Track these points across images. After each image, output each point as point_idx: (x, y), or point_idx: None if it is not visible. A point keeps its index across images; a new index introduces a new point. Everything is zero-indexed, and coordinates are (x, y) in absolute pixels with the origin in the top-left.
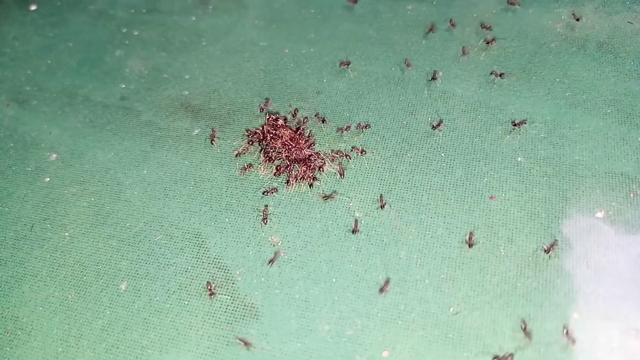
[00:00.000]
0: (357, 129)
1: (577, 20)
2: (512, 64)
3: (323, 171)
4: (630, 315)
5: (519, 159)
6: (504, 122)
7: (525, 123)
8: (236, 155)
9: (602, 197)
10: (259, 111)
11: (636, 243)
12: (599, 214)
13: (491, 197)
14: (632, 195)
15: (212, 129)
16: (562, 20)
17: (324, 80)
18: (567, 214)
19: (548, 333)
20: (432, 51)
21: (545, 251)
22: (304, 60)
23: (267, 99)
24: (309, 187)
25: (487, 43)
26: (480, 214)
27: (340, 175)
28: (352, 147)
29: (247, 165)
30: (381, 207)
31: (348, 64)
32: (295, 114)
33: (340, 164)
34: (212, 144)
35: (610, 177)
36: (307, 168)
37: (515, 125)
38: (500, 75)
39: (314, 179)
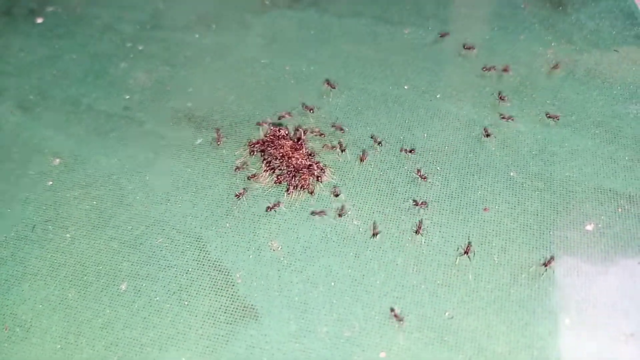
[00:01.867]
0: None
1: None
2: (504, 85)
3: (321, 181)
4: (619, 322)
5: (512, 173)
6: (498, 140)
7: (512, 119)
8: (235, 170)
9: (591, 211)
10: (286, 115)
11: (624, 255)
12: (589, 227)
13: (485, 209)
14: (620, 210)
15: (216, 129)
16: (552, 47)
17: (324, 97)
18: (558, 226)
19: (540, 337)
20: (429, 72)
21: (544, 265)
22: (304, 77)
23: (289, 112)
24: (309, 194)
25: (501, 99)
26: (474, 224)
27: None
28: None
29: (252, 175)
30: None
31: (333, 87)
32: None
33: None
34: (217, 144)
35: (600, 192)
36: (306, 177)
37: (503, 118)
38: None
39: (313, 188)
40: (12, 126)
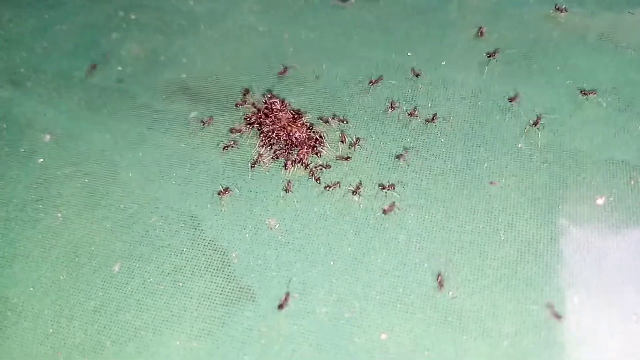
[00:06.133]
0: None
1: (562, 11)
2: (513, 52)
3: (320, 156)
4: (630, 300)
5: (520, 145)
6: (505, 109)
7: (517, 99)
8: (224, 149)
9: (602, 184)
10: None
11: (636, 229)
12: (600, 201)
13: (491, 183)
14: (632, 182)
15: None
16: (563, 10)
17: (324, 66)
18: (568, 200)
19: (548, 317)
20: (431, 39)
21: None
22: (303, 45)
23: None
24: (315, 181)
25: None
26: (480, 199)
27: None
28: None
29: (256, 158)
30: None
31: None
32: (246, 92)
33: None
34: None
35: (611, 164)
36: (305, 151)
37: (511, 100)
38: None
39: (312, 170)
40: (2, 101)
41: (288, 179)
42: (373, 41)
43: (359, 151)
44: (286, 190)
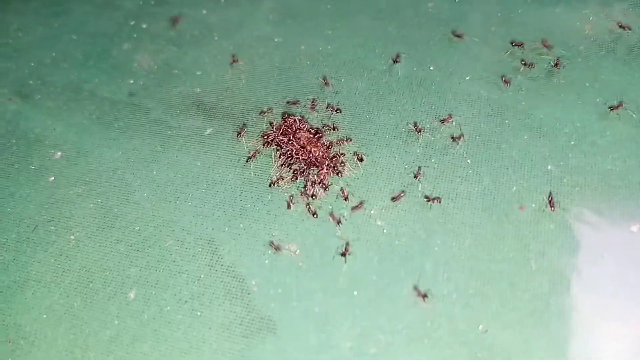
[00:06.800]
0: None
1: (624, 28)
2: (539, 66)
3: (341, 176)
4: None
5: (549, 167)
6: (533, 128)
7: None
8: (247, 161)
9: (636, 209)
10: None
11: None
12: (634, 228)
13: (521, 208)
14: None
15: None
16: (590, 22)
17: (342, 80)
18: (601, 226)
19: (583, 353)
20: (455, 51)
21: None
22: (320, 57)
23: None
24: (313, 216)
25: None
26: (509, 225)
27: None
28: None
29: (276, 179)
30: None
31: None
32: (313, 105)
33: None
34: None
35: None
36: (325, 172)
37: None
38: None
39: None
40: (11, 115)
41: (308, 201)
42: (394, 53)
43: (380, 172)
44: (288, 206)
